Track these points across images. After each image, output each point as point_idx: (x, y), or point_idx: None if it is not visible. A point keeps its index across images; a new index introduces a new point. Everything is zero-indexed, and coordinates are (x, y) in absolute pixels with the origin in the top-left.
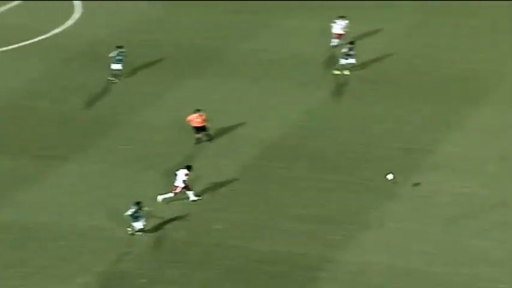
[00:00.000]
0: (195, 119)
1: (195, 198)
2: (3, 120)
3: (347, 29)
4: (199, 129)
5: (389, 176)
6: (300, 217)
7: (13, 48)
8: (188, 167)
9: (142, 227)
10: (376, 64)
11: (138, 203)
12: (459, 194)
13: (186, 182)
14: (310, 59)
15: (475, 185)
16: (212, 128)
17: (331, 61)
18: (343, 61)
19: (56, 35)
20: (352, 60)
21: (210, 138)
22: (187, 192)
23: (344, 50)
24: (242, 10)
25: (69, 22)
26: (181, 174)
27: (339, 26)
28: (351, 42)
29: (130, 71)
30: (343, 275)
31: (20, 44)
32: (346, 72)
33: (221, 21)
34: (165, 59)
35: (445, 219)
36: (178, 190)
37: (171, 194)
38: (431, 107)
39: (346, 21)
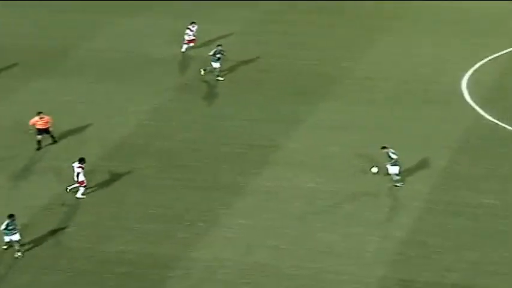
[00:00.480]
0: (37, 122)
1: (82, 196)
2: None
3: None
4: (43, 131)
5: (374, 169)
6: (149, 216)
7: None
8: (80, 160)
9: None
10: (228, 63)
11: (11, 216)
12: (305, 188)
13: (82, 175)
14: (157, 59)
15: (321, 180)
16: (57, 130)
17: (180, 61)
18: (215, 64)
19: None
20: (217, 64)
21: (54, 141)
22: (79, 186)
23: (212, 52)
24: (84, 9)
25: None
26: (76, 167)
27: (190, 32)
28: (219, 45)
29: None
30: (195, 273)
31: None
32: (220, 78)
33: (62, 21)
34: (7, 62)
35: (292, 214)
36: (84, 183)
37: (81, 189)
38: (279, 104)
39: (196, 27)
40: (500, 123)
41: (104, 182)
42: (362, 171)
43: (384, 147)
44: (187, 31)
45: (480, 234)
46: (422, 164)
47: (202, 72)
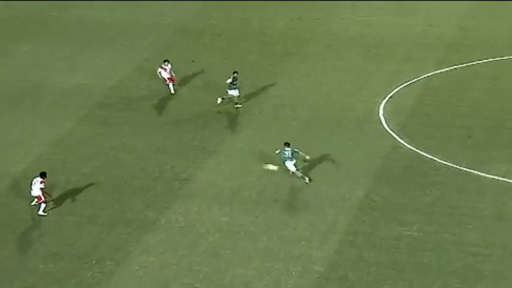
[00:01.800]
0: None
1: (44, 213)
2: None
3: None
4: None
5: (270, 167)
6: (55, 255)
7: None
8: (42, 174)
9: None
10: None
11: None
12: (218, 222)
13: (44, 190)
14: (59, 88)
15: (234, 213)
16: None
17: (83, 91)
18: (232, 93)
19: None
20: (235, 92)
21: None
22: (41, 203)
23: (229, 80)
24: None
25: None
26: (37, 183)
27: (166, 71)
28: (235, 72)
29: None
30: None
31: None
32: (239, 106)
33: None
34: None
35: (206, 250)
36: (42, 199)
37: (43, 205)
38: (187, 133)
39: (170, 65)
40: (418, 151)
41: (2, 219)
42: (276, 201)
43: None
44: (162, 70)
45: (402, 267)
46: (340, 195)
47: (219, 100)
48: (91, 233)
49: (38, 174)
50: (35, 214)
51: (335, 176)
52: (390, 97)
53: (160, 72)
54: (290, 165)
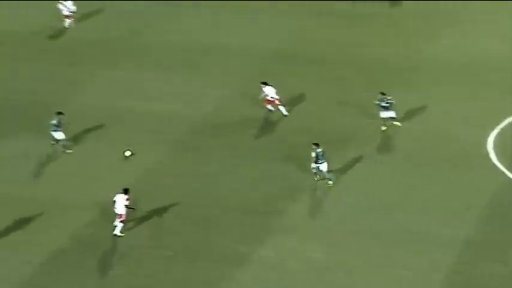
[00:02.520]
0: None
1: (120, 234)
2: None
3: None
4: None
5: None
6: None
7: None
8: (125, 191)
9: None
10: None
11: None
12: (313, 259)
13: (128, 206)
14: (148, 114)
15: (329, 249)
16: None
17: (173, 117)
18: (384, 114)
19: None
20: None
21: None
22: (120, 222)
23: (377, 102)
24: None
25: None
26: (121, 200)
27: (267, 93)
28: (383, 93)
29: None
30: None
31: None
32: (396, 123)
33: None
34: None
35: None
36: (123, 217)
37: (120, 224)
38: (281, 163)
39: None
40: None
41: (89, 248)
42: (374, 237)
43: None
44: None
45: None
46: (444, 232)
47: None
48: (178, 267)
49: (122, 191)
50: (122, 248)
51: (439, 211)
52: (501, 128)
53: (265, 96)
54: (323, 166)
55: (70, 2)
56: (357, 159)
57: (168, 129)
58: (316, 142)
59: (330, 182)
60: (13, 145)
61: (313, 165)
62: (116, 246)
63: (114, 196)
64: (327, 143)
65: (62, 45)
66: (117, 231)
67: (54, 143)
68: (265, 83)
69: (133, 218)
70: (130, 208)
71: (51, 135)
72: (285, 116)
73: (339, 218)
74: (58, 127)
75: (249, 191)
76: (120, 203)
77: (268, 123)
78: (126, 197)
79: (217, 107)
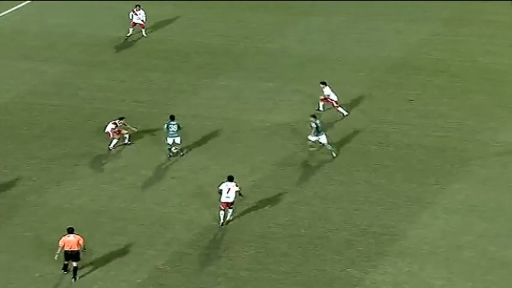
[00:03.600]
0: None
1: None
2: None
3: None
4: None
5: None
6: None
7: None
8: (231, 178)
9: None
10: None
11: None
12: (432, 286)
13: (240, 193)
14: (259, 126)
15: (452, 276)
16: None
17: (281, 130)
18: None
19: None
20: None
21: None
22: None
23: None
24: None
25: None
26: (233, 188)
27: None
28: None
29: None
30: None
31: None
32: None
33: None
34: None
35: None
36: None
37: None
38: (399, 182)
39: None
40: None
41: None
42: (502, 264)
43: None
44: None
45: None
46: None
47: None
48: None
49: (227, 179)
50: (224, 271)
51: None
52: None
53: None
54: (323, 138)
55: (142, 11)
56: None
57: (273, 141)
58: (313, 114)
59: (334, 154)
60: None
61: (312, 137)
62: (219, 266)
63: (220, 185)
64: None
65: (160, 53)
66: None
67: (171, 149)
68: (325, 83)
69: (238, 239)
70: (241, 196)
71: (168, 140)
72: (346, 115)
73: (463, 243)
74: (175, 132)
75: (365, 211)
76: (233, 190)
77: (387, 138)
78: (235, 184)
79: (327, 119)
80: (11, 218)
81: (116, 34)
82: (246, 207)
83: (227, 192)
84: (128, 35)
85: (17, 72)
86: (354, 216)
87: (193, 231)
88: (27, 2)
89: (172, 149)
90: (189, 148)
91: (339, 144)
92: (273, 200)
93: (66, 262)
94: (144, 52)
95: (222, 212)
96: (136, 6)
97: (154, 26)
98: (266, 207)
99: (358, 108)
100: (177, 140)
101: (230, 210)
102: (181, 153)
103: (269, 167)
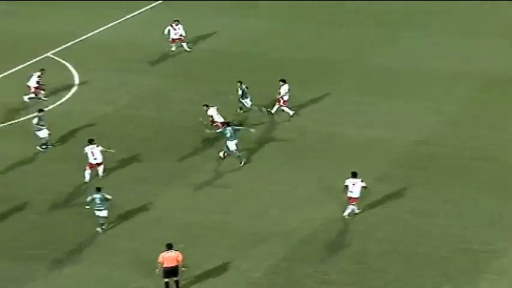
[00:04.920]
0: None
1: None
2: None
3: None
4: None
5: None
6: None
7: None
8: (355, 174)
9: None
10: None
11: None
12: None
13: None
14: (353, 141)
15: None
16: None
17: (382, 145)
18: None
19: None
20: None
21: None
22: (352, 207)
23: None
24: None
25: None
26: (358, 183)
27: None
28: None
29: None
30: None
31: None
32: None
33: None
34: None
35: None
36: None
37: (353, 208)
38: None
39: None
40: None
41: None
42: None
43: None
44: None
45: None
46: None
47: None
48: None
49: (351, 176)
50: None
51: None
52: None
53: None
54: (231, 145)
55: (181, 25)
56: None
57: (368, 155)
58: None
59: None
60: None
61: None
62: (314, 281)
63: (345, 181)
64: None
65: (260, 67)
66: (350, 212)
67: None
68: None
69: (334, 253)
70: (365, 188)
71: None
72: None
73: None
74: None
75: (464, 228)
76: (358, 186)
77: (486, 154)
78: (360, 179)
79: (426, 135)
80: (110, 229)
81: (206, 47)
82: (342, 223)
83: (352, 187)
84: (173, 49)
85: (118, 84)
86: (452, 233)
87: (288, 245)
88: (136, 13)
89: (236, 154)
90: (286, 161)
91: (435, 161)
92: (369, 215)
93: (166, 280)
94: (241, 66)
95: (350, 207)
96: (175, 21)
97: (251, 40)
98: (362, 223)
99: (454, 121)
100: (232, 144)
101: (352, 206)
102: (241, 161)
103: (366, 182)
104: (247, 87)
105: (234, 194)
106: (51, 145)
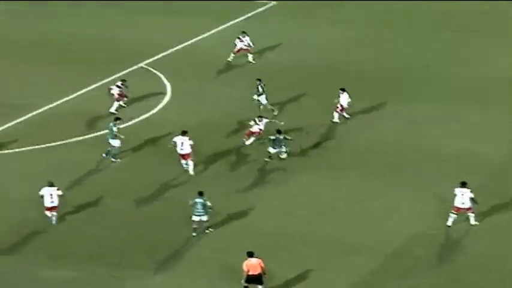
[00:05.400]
0: None
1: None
2: None
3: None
4: None
5: None
6: None
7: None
8: (463, 183)
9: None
10: None
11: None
12: None
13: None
14: (442, 153)
15: None
16: None
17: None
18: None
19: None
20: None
21: None
22: (470, 214)
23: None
24: None
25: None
26: (467, 193)
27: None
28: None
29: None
30: None
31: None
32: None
33: None
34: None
35: None
36: (471, 211)
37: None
38: None
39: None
40: None
41: None
42: None
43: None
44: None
45: None
46: None
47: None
48: None
49: (460, 185)
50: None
51: None
52: None
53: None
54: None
55: (248, 37)
56: None
57: (457, 168)
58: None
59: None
60: None
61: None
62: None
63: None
64: None
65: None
66: (473, 221)
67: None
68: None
69: (421, 266)
70: (472, 199)
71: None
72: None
73: None
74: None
75: None
76: (466, 196)
77: None
78: (468, 189)
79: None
80: (196, 239)
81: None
82: (431, 237)
83: (461, 197)
84: (229, 59)
85: (206, 95)
86: None
87: (379, 259)
88: (226, 25)
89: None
90: (379, 173)
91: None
92: (460, 228)
93: (245, 285)
94: (336, 76)
95: (453, 215)
96: (242, 33)
97: (342, 49)
98: (453, 236)
99: None
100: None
101: (454, 215)
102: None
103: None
104: (264, 85)
105: (322, 204)
106: (119, 159)
